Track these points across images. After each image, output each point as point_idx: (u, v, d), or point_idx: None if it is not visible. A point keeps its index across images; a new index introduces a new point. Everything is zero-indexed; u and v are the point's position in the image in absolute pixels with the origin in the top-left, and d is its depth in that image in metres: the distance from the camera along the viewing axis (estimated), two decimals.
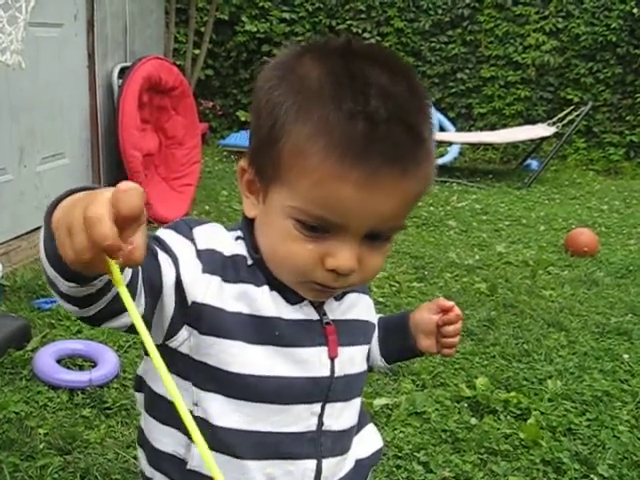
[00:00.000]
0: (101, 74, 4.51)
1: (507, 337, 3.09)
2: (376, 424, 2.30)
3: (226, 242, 0.95)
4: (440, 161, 8.05)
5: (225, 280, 0.91)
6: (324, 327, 0.98)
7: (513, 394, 2.54)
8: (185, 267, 0.88)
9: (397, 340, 1.18)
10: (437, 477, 2.07)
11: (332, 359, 0.98)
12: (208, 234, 0.93)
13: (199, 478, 0.94)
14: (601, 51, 8.24)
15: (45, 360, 2.53)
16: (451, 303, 1.15)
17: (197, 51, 6.82)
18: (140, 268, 0.81)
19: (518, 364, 2.84)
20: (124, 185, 0.59)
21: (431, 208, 5.62)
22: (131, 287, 0.79)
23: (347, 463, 1.05)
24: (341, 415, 1.01)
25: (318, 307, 0.98)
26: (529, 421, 2.38)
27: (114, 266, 0.62)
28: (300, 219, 0.86)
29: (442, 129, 8.12)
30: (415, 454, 2.18)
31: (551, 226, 5.25)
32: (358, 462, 1.07)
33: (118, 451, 2.12)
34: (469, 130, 8.56)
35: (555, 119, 7.26)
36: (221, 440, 0.92)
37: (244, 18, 8.57)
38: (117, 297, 0.77)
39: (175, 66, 5.00)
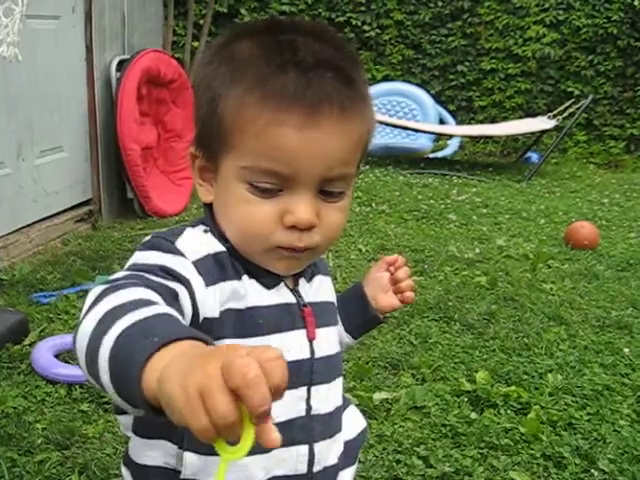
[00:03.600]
0: (99, 67, 4.49)
1: (507, 331, 3.08)
2: (376, 418, 2.31)
3: (206, 242, 0.94)
4: (440, 154, 8.03)
5: (221, 281, 0.91)
6: (302, 309, 0.99)
7: (513, 388, 2.53)
8: (195, 287, 0.87)
9: (358, 311, 1.21)
10: (437, 472, 2.05)
11: (311, 341, 0.99)
12: (190, 243, 0.91)
13: None
14: (602, 43, 8.20)
15: (43, 354, 2.52)
16: (394, 255, 1.21)
17: (196, 44, 6.78)
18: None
19: (518, 358, 2.83)
20: (271, 354, 0.55)
21: (431, 201, 5.60)
22: None
23: (338, 446, 1.05)
24: (327, 397, 1.02)
25: (293, 290, 0.99)
26: (529, 415, 2.37)
27: (247, 432, 0.57)
28: (252, 181, 0.88)
29: (442, 122, 8.10)
30: (415, 449, 2.17)
31: (551, 219, 5.23)
32: (346, 444, 1.08)
33: (117, 446, 2.11)
34: (469, 123, 8.53)
35: (555, 112, 7.23)
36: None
37: (243, 10, 8.53)
38: None
39: (174, 59, 4.97)
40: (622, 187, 6.63)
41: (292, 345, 0.96)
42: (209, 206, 0.98)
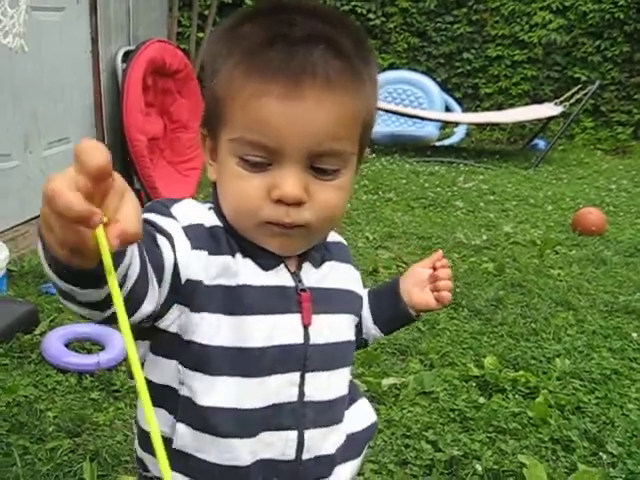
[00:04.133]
0: (105, 58, 4.49)
1: (515, 316, 3.08)
2: (384, 404, 2.32)
3: (204, 214, 0.94)
4: (447, 142, 8.02)
5: (210, 254, 0.90)
6: (299, 294, 0.97)
7: (521, 373, 2.54)
8: (179, 245, 0.87)
9: (389, 304, 1.19)
10: (446, 456, 2.06)
11: (306, 327, 0.96)
12: (186, 209, 0.92)
13: (184, 457, 0.93)
14: (608, 29, 8.15)
15: (53, 344, 2.54)
16: (440, 252, 1.19)
17: (201, 34, 6.78)
18: (147, 256, 0.79)
19: (526, 343, 2.84)
20: (83, 144, 0.56)
21: (438, 189, 5.60)
22: (143, 280, 0.78)
23: (337, 436, 1.03)
24: (327, 385, 0.99)
25: (294, 273, 0.97)
26: (537, 400, 2.38)
27: (100, 235, 0.57)
28: (241, 155, 0.88)
29: (448, 109, 8.07)
30: (424, 433, 2.18)
31: (559, 206, 5.22)
32: (350, 436, 1.05)
33: (127, 433, 2.12)
34: (475, 110, 8.51)
35: (562, 98, 7.20)
36: (206, 420, 0.92)
37: (248, 0, 8.51)
38: (137, 290, 0.77)
39: (179, 49, 4.97)
40: (629, 173, 6.61)
41: (282, 328, 0.94)
42: (215, 186, 0.98)
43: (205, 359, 0.91)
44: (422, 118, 7.44)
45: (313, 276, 1.00)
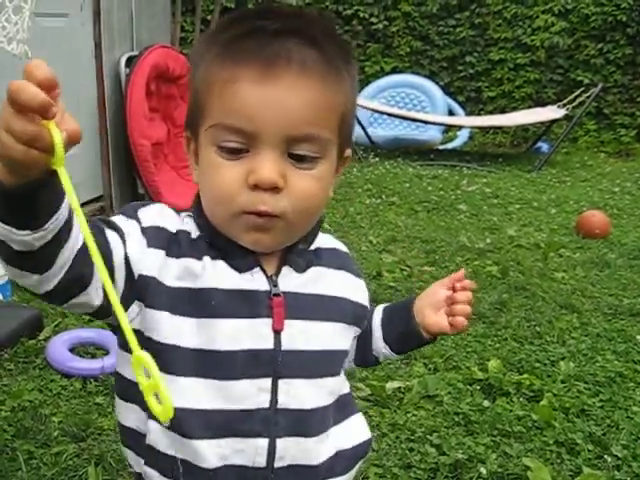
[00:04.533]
0: (108, 64, 4.50)
1: (519, 319, 3.08)
2: (388, 407, 2.32)
3: (171, 220, 0.96)
4: (450, 145, 8.02)
5: (169, 255, 0.92)
6: (271, 298, 0.95)
7: (525, 376, 2.53)
8: (131, 241, 0.89)
9: (400, 321, 1.15)
10: (450, 459, 2.06)
11: (277, 332, 0.94)
12: (153, 213, 0.95)
13: (156, 454, 0.94)
14: (611, 31, 8.16)
15: (58, 349, 2.54)
16: (462, 271, 1.12)
17: None
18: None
19: (530, 346, 2.83)
20: (32, 62, 0.66)
21: (441, 192, 5.60)
22: (84, 260, 0.80)
23: (321, 448, 1.00)
24: (303, 394, 0.96)
25: (271, 277, 0.96)
26: (542, 403, 2.38)
27: (53, 129, 0.67)
28: (219, 142, 0.88)
29: (451, 113, 8.08)
30: (428, 437, 2.18)
31: (562, 209, 5.22)
32: (340, 452, 1.02)
33: None
34: (479, 114, 8.52)
35: (565, 101, 7.20)
36: (172, 419, 0.91)
37: (251, 5, 8.53)
38: (79, 261, 0.79)
39: (182, 54, 4.98)
40: (633, 175, 6.60)
41: (250, 332, 0.93)
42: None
43: (168, 359, 0.91)
44: (425, 122, 7.45)
45: (294, 281, 0.98)
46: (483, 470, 2.01)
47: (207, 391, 0.92)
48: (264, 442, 0.93)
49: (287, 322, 0.95)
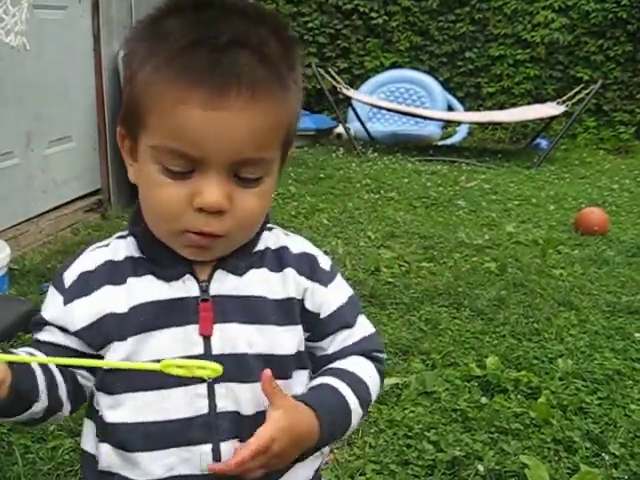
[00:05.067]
0: (107, 56, 4.49)
1: (517, 316, 3.08)
2: (386, 404, 2.31)
3: (92, 259, 0.98)
4: (449, 141, 8.01)
5: (87, 294, 0.95)
6: (198, 304, 0.94)
7: (523, 373, 2.53)
8: (55, 314, 0.96)
9: None
10: (447, 456, 2.06)
11: (206, 337, 0.93)
12: (75, 267, 0.98)
13: (109, 476, 0.95)
14: (611, 28, 8.14)
15: None
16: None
17: None
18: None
19: (528, 343, 2.83)
20: None
21: (440, 188, 5.59)
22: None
23: None
24: (242, 397, 0.94)
25: (203, 282, 0.95)
26: (540, 400, 2.37)
27: None
28: (162, 163, 0.86)
29: (450, 109, 8.06)
30: (425, 433, 2.18)
31: (561, 205, 5.21)
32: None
33: None
34: (478, 110, 8.50)
35: (565, 98, 7.19)
36: (114, 436, 0.93)
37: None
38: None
39: None
40: (632, 173, 6.60)
41: (179, 340, 0.93)
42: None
43: (106, 379, 0.94)
44: (424, 117, 7.44)
45: (228, 284, 0.96)
46: (480, 467, 2.00)
47: (144, 403, 0.93)
48: (208, 448, 0.93)
49: (217, 326, 0.94)
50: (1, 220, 3.56)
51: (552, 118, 7.36)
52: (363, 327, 1.06)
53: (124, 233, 1.00)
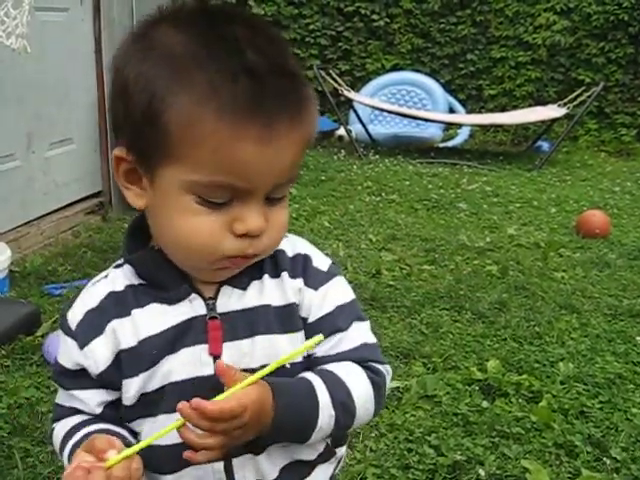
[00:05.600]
0: (108, 58, 4.48)
1: (518, 319, 3.07)
2: (387, 407, 2.31)
3: (94, 294, 0.97)
4: (450, 143, 8.00)
5: (98, 334, 0.94)
6: (207, 322, 0.93)
7: (525, 377, 2.53)
8: (87, 367, 0.95)
9: None
10: (448, 460, 2.05)
11: (216, 357, 0.92)
12: (76, 309, 0.97)
13: None
14: (613, 30, 8.12)
15: (55, 345, 2.53)
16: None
17: None
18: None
19: (530, 347, 2.82)
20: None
21: (441, 191, 5.59)
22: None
23: (279, 458, 0.97)
24: None
25: (209, 300, 0.94)
26: (541, 404, 2.37)
27: None
28: (203, 195, 0.84)
29: (452, 111, 8.06)
30: (426, 437, 2.17)
31: (562, 208, 5.20)
32: (295, 462, 0.99)
33: None
34: (479, 112, 8.49)
35: (566, 100, 7.17)
36: (148, 460, 0.91)
37: (251, 1, 8.51)
38: None
39: None
40: (634, 175, 6.59)
41: (190, 361, 0.93)
42: (138, 226, 0.98)
43: (125, 411, 0.96)
44: (426, 119, 7.43)
45: (234, 299, 0.95)
46: (482, 472, 2.00)
47: (156, 427, 0.91)
48: (219, 465, 0.94)
49: (227, 345, 0.93)
50: (2, 222, 3.56)
51: (553, 120, 7.35)
52: (359, 334, 1.01)
53: (120, 262, 0.99)
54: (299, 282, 0.99)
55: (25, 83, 3.67)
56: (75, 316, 0.96)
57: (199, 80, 0.81)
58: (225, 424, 0.83)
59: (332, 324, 0.98)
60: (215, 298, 0.95)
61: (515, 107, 8.34)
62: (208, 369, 0.92)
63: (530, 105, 8.24)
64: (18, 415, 2.20)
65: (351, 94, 7.41)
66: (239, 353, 0.93)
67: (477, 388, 2.48)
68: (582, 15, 8.17)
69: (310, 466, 1.01)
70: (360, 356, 0.99)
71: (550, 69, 8.42)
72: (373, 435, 2.19)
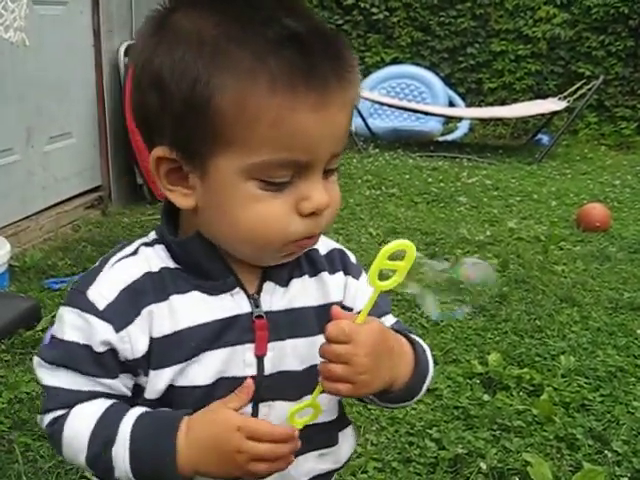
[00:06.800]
0: (107, 52, 4.47)
1: (519, 313, 3.07)
2: None
3: (125, 272, 0.89)
4: (450, 137, 7.99)
5: (129, 322, 0.86)
6: (253, 321, 0.89)
7: (526, 370, 2.52)
8: (112, 344, 0.86)
9: None
10: (449, 454, 2.05)
11: (260, 357, 0.89)
12: (103, 285, 0.88)
13: None
14: (613, 23, 8.10)
15: None
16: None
17: None
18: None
19: (530, 340, 2.82)
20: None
21: (441, 184, 5.58)
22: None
23: (310, 464, 0.96)
24: (282, 414, 0.90)
25: (252, 296, 0.90)
26: (542, 397, 2.36)
27: None
28: (265, 177, 0.80)
29: (452, 104, 8.04)
30: (427, 431, 2.17)
31: (563, 201, 5.20)
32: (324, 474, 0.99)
33: None
34: (479, 105, 8.47)
35: (566, 93, 7.16)
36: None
37: None
38: None
39: None
40: (634, 168, 6.57)
41: (230, 361, 0.88)
42: (167, 210, 0.91)
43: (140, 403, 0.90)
44: (425, 113, 7.41)
45: (276, 297, 0.92)
46: (483, 465, 2.00)
47: None
48: None
49: (271, 345, 0.90)
50: (1, 217, 3.56)
51: (553, 114, 7.33)
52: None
53: (148, 240, 0.92)
54: (340, 275, 0.98)
55: (23, 77, 3.66)
56: (104, 295, 0.86)
57: (242, 56, 0.77)
58: (338, 349, 0.82)
59: (380, 308, 0.96)
60: (258, 294, 0.91)
61: (515, 100, 8.32)
62: (251, 370, 0.89)
63: (530, 98, 8.22)
64: (18, 410, 2.20)
65: None
66: (281, 353, 0.91)
67: (478, 381, 2.48)
68: (582, 8, 8.15)
69: (329, 477, 1.01)
70: (406, 329, 1.01)
71: (550, 62, 8.40)
72: (374, 429, 2.19)
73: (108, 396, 0.88)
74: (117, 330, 0.85)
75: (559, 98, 7.23)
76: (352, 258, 1.02)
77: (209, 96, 0.78)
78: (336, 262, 0.99)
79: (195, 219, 0.88)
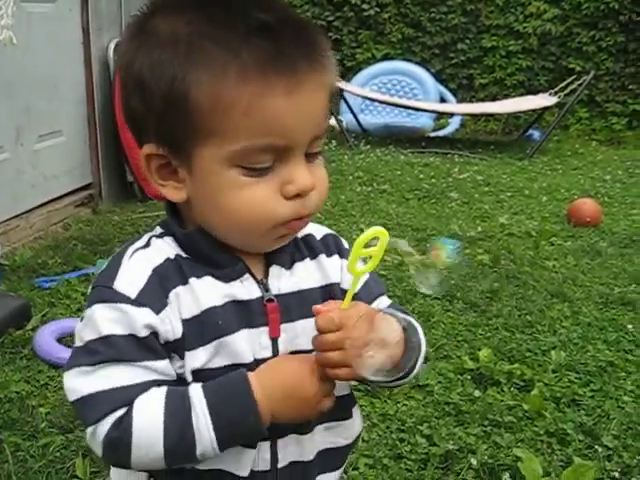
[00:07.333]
0: (96, 50, 4.45)
1: (510, 308, 3.07)
2: (379, 397, 2.31)
3: (147, 260, 0.91)
4: (441, 133, 8.00)
5: (168, 293, 0.89)
6: (265, 305, 0.93)
7: (517, 365, 2.53)
8: (155, 327, 0.87)
9: None
10: (440, 450, 2.05)
11: (274, 339, 0.94)
12: (128, 277, 0.89)
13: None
14: (603, 19, 8.12)
15: (45, 339, 2.52)
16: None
17: None
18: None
19: (521, 335, 2.83)
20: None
21: (432, 180, 5.58)
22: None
23: (315, 442, 1.00)
24: None
25: (261, 282, 0.94)
26: (533, 392, 2.37)
27: None
28: (246, 164, 0.84)
29: (443, 100, 8.05)
30: (418, 427, 2.17)
31: (554, 197, 5.21)
32: (337, 448, 1.03)
33: None
34: (470, 101, 8.49)
35: (557, 89, 7.17)
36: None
37: None
38: None
39: None
40: (624, 164, 6.60)
41: (248, 344, 0.91)
42: (171, 204, 0.94)
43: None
44: (416, 109, 7.42)
45: (283, 279, 0.96)
46: (474, 461, 2.00)
47: None
48: (266, 445, 0.94)
49: (283, 326, 0.94)
50: None
51: (544, 109, 7.35)
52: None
53: (156, 233, 0.95)
54: (336, 258, 1.03)
55: (12, 75, 3.64)
56: (133, 283, 0.88)
57: (214, 50, 0.81)
58: (331, 337, 0.88)
59: (374, 290, 1.04)
60: (265, 279, 0.95)
61: (506, 96, 8.34)
62: (267, 352, 0.93)
63: (521, 94, 8.24)
64: (8, 409, 2.19)
65: (342, 84, 7.38)
66: (293, 334, 0.95)
67: (469, 377, 2.48)
68: (573, 4, 8.17)
69: (343, 455, 1.05)
70: (400, 309, 1.03)
71: (541, 58, 8.42)
72: (365, 425, 2.19)
73: (159, 384, 0.88)
74: (157, 312, 0.87)
75: (550, 94, 7.24)
76: (345, 243, 1.07)
77: (186, 91, 0.82)
78: (331, 246, 1.04)
79: (191, 212, 0.92)
